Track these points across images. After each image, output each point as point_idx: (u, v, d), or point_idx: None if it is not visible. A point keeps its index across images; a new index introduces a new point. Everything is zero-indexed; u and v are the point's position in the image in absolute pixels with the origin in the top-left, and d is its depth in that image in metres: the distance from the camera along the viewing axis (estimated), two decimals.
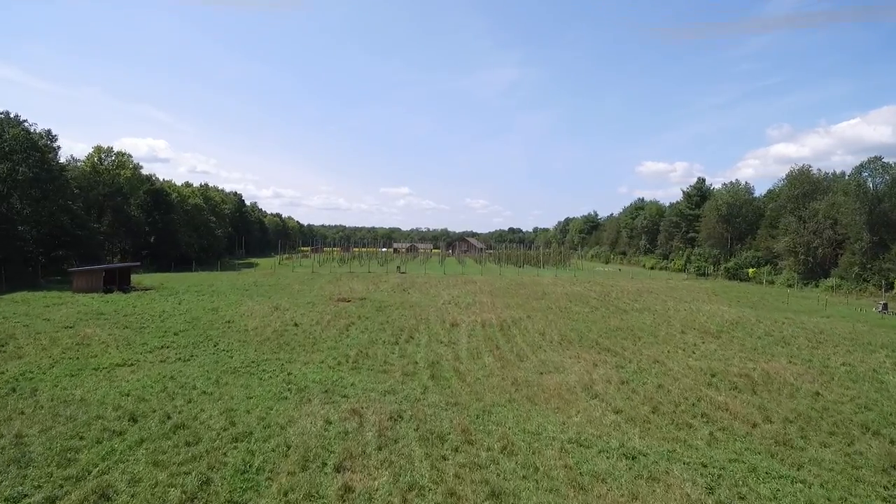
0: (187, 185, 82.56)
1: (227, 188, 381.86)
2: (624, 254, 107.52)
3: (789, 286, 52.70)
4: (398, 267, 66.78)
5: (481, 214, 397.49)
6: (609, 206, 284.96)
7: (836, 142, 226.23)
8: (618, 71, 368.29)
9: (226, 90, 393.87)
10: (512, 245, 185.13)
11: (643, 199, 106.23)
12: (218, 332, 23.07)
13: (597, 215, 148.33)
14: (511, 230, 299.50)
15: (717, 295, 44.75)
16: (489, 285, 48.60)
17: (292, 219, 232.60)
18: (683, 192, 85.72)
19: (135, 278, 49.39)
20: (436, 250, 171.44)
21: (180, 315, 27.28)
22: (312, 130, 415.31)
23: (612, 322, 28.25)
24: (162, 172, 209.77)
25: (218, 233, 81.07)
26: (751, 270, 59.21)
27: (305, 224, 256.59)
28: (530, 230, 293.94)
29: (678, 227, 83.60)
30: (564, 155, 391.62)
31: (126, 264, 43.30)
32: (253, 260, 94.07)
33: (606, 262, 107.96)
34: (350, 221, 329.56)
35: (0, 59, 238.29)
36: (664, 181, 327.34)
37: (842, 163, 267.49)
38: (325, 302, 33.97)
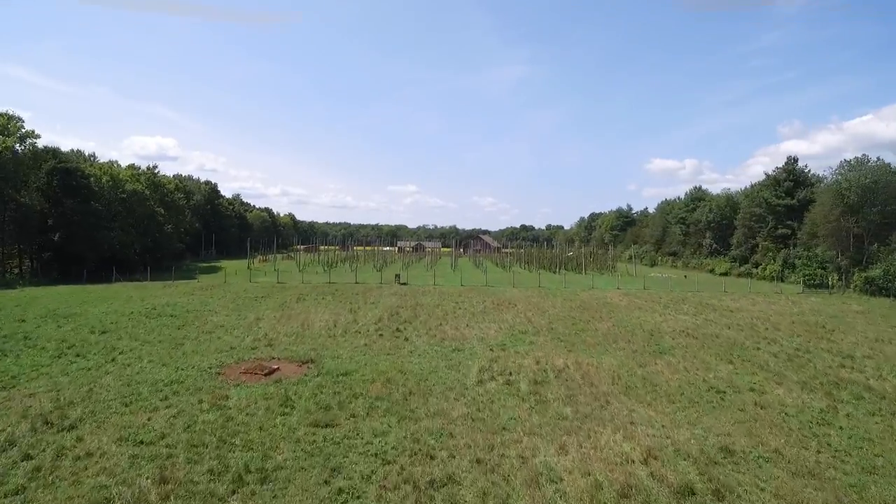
0: (132, 167, 64.58)
1: (235, 186, 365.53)
2: (675, 255, 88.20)
3: None
4: (397, 276, 48.23)
5: (488, 213, 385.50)
6: (617, 203, 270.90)
7: (848, 139, 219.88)
8: (627, 68, 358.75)
9: (234, 88, 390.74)
10: (525, 243, 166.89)
11: (700, 186, 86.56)
12: None
13: (630, 210, 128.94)
14: (523, 227, 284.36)
15: None
16: (540, 312, 29.89)
17: (291, 215, 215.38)
18: (769, 175, 66.30)
19: None
20: (445, 249, 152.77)
21: None
22: (320, 128, 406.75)
23: None
24: (171, 171, 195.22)
25: (167, 229, 62.89)
26: None
27: (308, 221, 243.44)
28: (542, 227, 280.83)
29: (762, 221, 64.29)
30: (573, 152, 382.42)
31: None
32: (220, 262, 75.81)
33: (652, 265, 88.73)
34: (358, 220, 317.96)
35: (10, 59, 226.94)
36: (673, 178, 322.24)
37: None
38: (211, 382, 15.32)
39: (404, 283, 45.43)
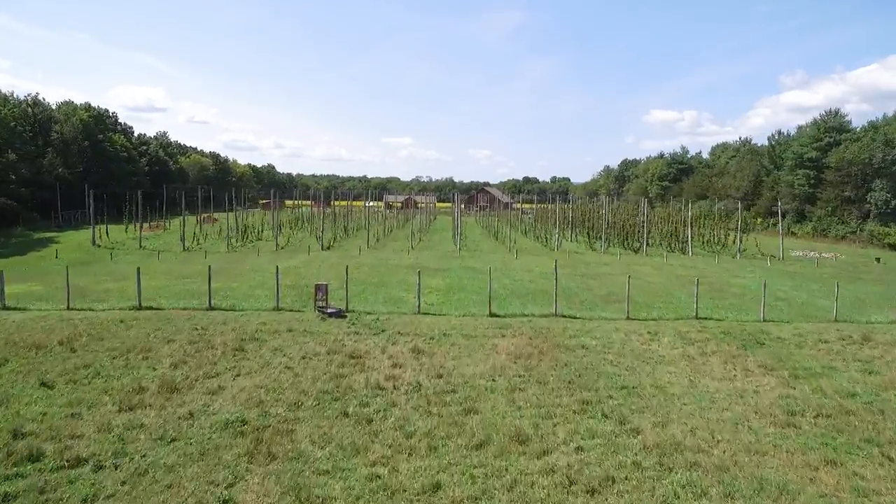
0: None
1: (226, 138, 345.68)
2: (781, 215, 59.24)
3: None
4: (319, 305, 18.11)
5: (485, 165, 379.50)
6: (614, 157, 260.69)
7: (852, 89, 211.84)
8: (628, 11, 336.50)
9: (224, 35, 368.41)
10: (529, 197, 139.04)
11: (838, 111, 55.04)
12: None
13: (686, 153, 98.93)
14: (526, 179, 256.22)
15: None
16: None
17: (269, 166, 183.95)
18: None
19: None
20: (442, 205, 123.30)
21: None
22: (313, 78, 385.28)
23: None
24: (160, 122, 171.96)
25: None
26: None
27: (286, 172, 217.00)
28: (546, 180, 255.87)
29: None
30: (571, 103, 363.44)
31: None
32: (77, 232, 46.10)
33: (744, 231, 59.60)
34: (353, 173, 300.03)
35: None
36: (672, 130, 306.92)
37: (856, 111, 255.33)
38: None
39: (336, 314, 16.40)
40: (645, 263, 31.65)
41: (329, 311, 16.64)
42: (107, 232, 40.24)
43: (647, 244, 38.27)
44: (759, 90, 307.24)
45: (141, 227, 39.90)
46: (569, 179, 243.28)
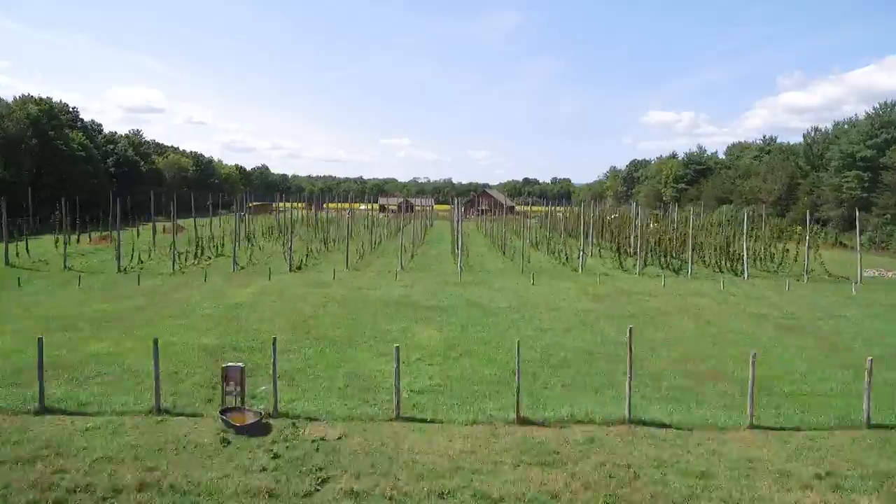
0: None
1: (225, 139, 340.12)
2: (823, 223, 52.38)
3: None
4: None
5: (484, 166, 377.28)
6: (612, 158, 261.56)
7: (849, 90, 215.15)
8: (626, 11, 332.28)
9: (222, 36, 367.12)
10: (531, 199, 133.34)
11: (895, 102, 48.08)
12: None
13: (704, 152, 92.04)
14: (526, 181, 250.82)
15: None
16: None
17: (263, 167, 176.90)
18: None
19: None
20: (441, 207, 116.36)
21: None
22: (312, 78, 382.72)
23: None
24: (158, 123, 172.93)
25: None
26: None
27: (280, 173, 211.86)
28: (547, 181, 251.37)
29: None
30: (569, 104, 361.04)
31: None
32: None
33: (778, 236, 52.52)
34: (351, 174, 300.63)
35: None
36: (669, 131, 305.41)
37: (854, 112, 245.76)
38: None
39: (252, 429, 9.38)
40: (698, 292, 24.65)
41: (246, 422, 9.55)
42: (26, 247, 33.04)
43: (692, 263, 31.17)
44: (757, 91, 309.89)
45: (67, 240, 32.69)
46: (570, 181, 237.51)
